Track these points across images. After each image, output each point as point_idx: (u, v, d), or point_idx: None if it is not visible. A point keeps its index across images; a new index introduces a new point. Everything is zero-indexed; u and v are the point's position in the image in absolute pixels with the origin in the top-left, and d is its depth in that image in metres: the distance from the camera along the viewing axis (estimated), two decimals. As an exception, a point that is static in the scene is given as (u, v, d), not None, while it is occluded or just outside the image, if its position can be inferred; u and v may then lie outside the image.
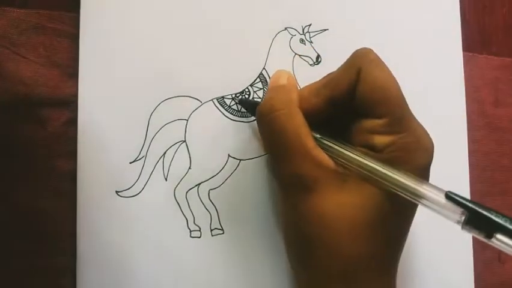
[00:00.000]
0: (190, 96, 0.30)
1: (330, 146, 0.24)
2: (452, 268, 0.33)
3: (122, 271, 0.29)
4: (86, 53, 0.30)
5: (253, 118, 0.31)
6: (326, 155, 0.24)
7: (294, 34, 0.32)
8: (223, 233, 0.30)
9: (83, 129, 0.29)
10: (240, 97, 0.30)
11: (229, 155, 0.30)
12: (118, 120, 0.30)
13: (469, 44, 0.35)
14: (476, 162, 0.35)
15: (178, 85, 0.30)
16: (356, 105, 0.24)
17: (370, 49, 0.24)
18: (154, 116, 0.30)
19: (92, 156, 0.29)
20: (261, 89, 0.31)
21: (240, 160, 0.31)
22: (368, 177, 0.23)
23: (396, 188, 0.22)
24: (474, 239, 0.33)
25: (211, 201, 0.30)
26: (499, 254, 0.35)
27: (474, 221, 0.21)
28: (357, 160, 0.23)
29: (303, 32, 0.32)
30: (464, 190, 0.33)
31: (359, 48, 0.25)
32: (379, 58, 0.24)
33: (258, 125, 0.27)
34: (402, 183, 0.22)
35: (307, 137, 0.24)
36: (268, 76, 0.31)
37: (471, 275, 0.33)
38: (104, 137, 0.29)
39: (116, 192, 0.29)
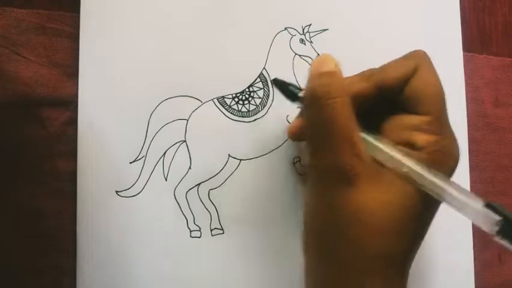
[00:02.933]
0: (190, 96, 0.30)
1: (369, 141, 0.24)
2: (452, 268, 0.33)
3: (122, 271, 0.29)
4: (86, 53, 0.30)
5: (253, 118, 0.31)
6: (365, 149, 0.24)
7: (294, 34, 0.32)
8: (223, 233, 0.30)
9: (83, 129, 0.29)
10: (274, 78, 0.28)
11: (229, 155, 0.30)
12: (118, 120, 0.30)
13: (469, 44, 0.35)
14: (476, 162, 0.35)
15: (178, 85, 0.30)
16: (403, 99, 0.24)
17: (425, 52, 0.25)
18: (154, 116, 0.30)
19: (92, 156, 0.29)
20: (261, 88, 0.31)
21: (240, 160, 0.31)
22: (406, 176, 0.23)
23: (436, 191, 0.22)
24: (474, 239, 0.33)
25: (211, 201, 0.30)
26: (499, 254, 0.35)
27: (508, 230, 0.21)
28: (399, 159, 0.23)
29: (303, 32, 0.32)
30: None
31: (415, 50, 0.25)
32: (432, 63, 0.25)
33: (305, 108, 0.25)
34: (442, 187, 0.22)
35: (355, 129, 0.23)
36: (269, 76, 0.31)
37: (471, 275, 0.33)
38: (104, 137, 0.29)
39: (116, 192, 0.29)
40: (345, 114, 0.23)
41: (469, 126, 0.34)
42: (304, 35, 0.32)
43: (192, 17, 0.31)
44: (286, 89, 0.27)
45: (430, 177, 0.22)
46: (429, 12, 0.34)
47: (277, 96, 0.31)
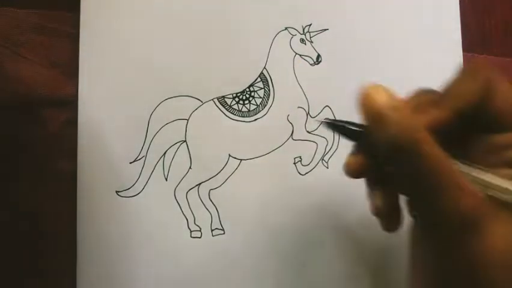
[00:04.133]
0: (190, 96, 0.30)
1: (471, 174, 0.21)
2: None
3: (122, 271, 0.29)
4: (86, 53, 0.30)
5: (253, 118, 0.31)
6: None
7: (294, 34, 0.32)
8: (223, 233, 0.30)
9: (83, 129, 0.29)
10: (328, 121, 0.24)
11: (229, 155, 0.30)
12: (118, 120, 0.30)
13: (469, 44, 0.35)
14: (476, 162, 0.34)
15: (178, 85, 0.30)
16: (488, 118, 0.21)
17: (486, 63, 0.22)
18: (154, 116, 0.30)
19: (92, 156, 0.29)
20: (261, 88, 0.31)
21: (240, 160, 0.31)
22: None
23: None
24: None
25: (211, 201, 0.30)
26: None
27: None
28: (504, 184, 0.20)
29: (303, 31, 0.32)
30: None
31: (473, 63, 0.22)
32: None
33: (392, 161, 0.22)
34: None
35: (456, 168, 0.21)
36: (269, 76, 0.31)
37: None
38: (104, 137, 0.29)
39: (116, 192, 0.29)
40: (441, 156, 0.20)
41: (469, 126, 0.34)
42: (305, 34, 0.32)
43: (192, 17, 0.31)
44: (347, 130, 0.23)
45: None
46: (429, 12, 0.34)
47: (277, 96, 0.31)
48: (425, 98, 0.22)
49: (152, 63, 0.30)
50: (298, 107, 0.27)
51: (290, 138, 0.31)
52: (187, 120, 0.30)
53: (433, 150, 0.20)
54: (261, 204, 0.31)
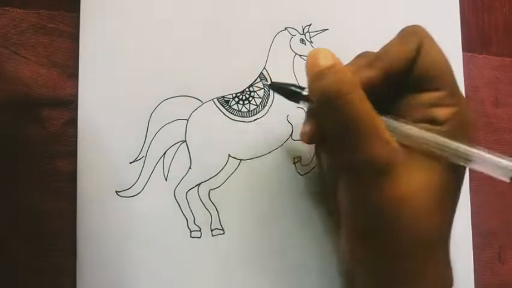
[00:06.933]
0: (190, 96, 0.30)
1: (392, 126, 0.24)
2: (452, 268, 0.33)
3: (122, 271, 0.29)
4: (86, 53, 0.30)
5: (253, 118, 0.31)
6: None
7: (294, 34, 0.32)
8: (223, 233, 0.30)
9: (83, 129, 0.29)
10: (270, 82, 0.28)
11: (229, 155, 0.30)
12: (118, 120, 0.30)
13: (468, 44, 0.35)
14: (476, 162, 0.35)
15: (178, 85, 0.30)
16: (414, 78, 0.24)
17: (422, 26, 0.25)
18: (154, 116, 0.30)
19: (92, 156, 0.29)
20: (261, 88, 0.31)
21: (240, 160, 0.31)
22: (433, 154, 0.23)
23: (464, 159, 0.23)
24: (474, 239, 0.33)
25: (211, 201, 0.30)
26: (499, 254, 0.35)
27: None
28: (425, 136, 0.23)
29: (303, 32, 0.32)
30: (464, 190, 0.33)
31: (410, 26, 0.25)
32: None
33: (318, 109, 0.25)
34: (471, 153, 0.23)
35: (378, 119, 0.23)
36: (269, 76, 0.31)
37: (471, 275, 0.33)
38: (104, 137, 0.29)
39: (116, 192, 0.29)
40: (364, 108, 0.23)
41: (469, 126, 0.34)
42: (305, 35, 0.32)
43: (192, 17, 0.31)
44: (287, 90, 0.26)
45: (459, 147, 0.23)
46: (429, 12, 0.34)
47: (277, 96, 0.31)
48: (363, 60, 0.25)
49: (152, 63, 0.30)
50: (298, 107, 0.27)
51: (290, 138, 0.31)
52: (187, 120, 0.30)
53: (358, 101, 0.23)
54: (261, 204, 0.31)
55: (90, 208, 0.29)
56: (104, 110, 0.29)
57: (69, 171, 0.29)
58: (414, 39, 0.24)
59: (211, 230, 0.30)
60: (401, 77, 0.24)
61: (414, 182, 0.23)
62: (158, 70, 0.30)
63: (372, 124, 0.23)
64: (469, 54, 0.35)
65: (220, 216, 0.30)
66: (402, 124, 0.24)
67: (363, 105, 0.23)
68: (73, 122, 0.29)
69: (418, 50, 0.24)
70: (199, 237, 0.30)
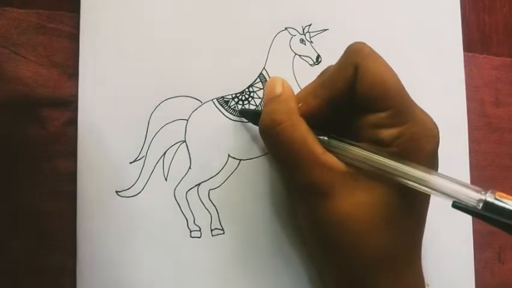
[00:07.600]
0: (190, 96, 0.30)
1: (338, 147, 0.24)
2: (452, 268, 0.33)
3: (122, 271, 0.29)
4: (86, 53, 0.30)
5: (253, 118, 0.31)
6: (335, 158, 0.24)
7: (294, 34, 0.32)
8: (223, 233, 0.30)
9: (83, 129, 0.29)
10: (241, 107, 0.30)
11: (229, 155, 0.30)
12: (118, 120, 0.30)
13: (469, 44, 0.35)
14: (476, 162, 0.35)
15: (178, 85, 0.30)
16: (357, 101, 0.24)
17: (364, 43, 0.24)
18: (154, 116, 0.30)
19: (92, 156, 0.29)
20: (261, 89, 0.31)
21: (240, 160, 0.31)
22: (379, 174, 0.23)
23: (408, 181, 0.23)
24: (474, 239, 0.33)
25: (211, 201, 0.30)
26: (499, 254, 0.35)
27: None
28: (368, 157, 0.23)
29: (303, 32, 0.32)
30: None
31: (351, 43, 0.25)
32: (374, 51, 0.24)
33: (262, 139, 0.27)
34: (413, 175, 0.22)
35: (314, 144, 0.24)
36: (269, 76, 0.31)
37: (471, 275, 0.33)
38: (104, 137, 0.29)
39: (116, 192, 0.29)
40: (298, 135, 0.24)
41: (469, 126, 0.34)
42: (305, 35, 0.32)
43: (192, 16, 0.31)
44: (251, 116, 0.29)
45: (402, 169, 0.23)
46: (429, 12, 0.34)
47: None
48: (317, 81, 0.26)
49: (152, 63, 0.30)
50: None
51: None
52: (187, 120, 0.30)
53: (291, 130, 0.24)
54: (261, 204, 0.31)
55: (90, 208, 0.29)
56: (104, 110, 0.29)
57: (69, 171, 0.29)
58: (351, 61, 0.24)
59: (211, 230, 0.30)
60: (346, 100, 0.24)
61: (356, 203, 0.23)
62: (158, 70, 0.30)
63: (306, 150, 0.24)
64: (470, 54, 0.35)
65: (220, 216, 0.30)
66: (346, 145, 0.24)
67: (296, 134, 0.24)
68: (73, 122, 0.29)
69: (356, 72, 0.23)
70: (199, 237, 0.30)
